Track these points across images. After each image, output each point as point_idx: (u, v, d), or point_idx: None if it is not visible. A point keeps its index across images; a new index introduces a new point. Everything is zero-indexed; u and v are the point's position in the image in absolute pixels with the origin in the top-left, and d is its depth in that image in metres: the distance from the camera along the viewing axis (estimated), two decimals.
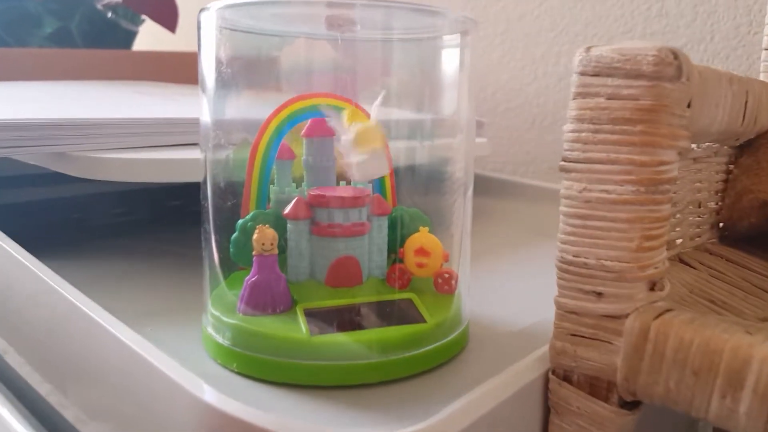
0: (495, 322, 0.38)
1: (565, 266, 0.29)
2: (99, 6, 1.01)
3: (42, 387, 0.37)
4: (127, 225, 0.61)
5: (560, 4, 0.82)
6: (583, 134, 0.28)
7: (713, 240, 0.43)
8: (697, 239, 0.41)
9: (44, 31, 0.95)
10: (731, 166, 0.44)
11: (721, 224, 0.44)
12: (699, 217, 0.41)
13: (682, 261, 0.39)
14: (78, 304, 0.32)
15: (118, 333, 0.30)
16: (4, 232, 0.41)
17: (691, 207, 0.41)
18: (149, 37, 1.11)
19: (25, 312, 0.38)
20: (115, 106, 0.59)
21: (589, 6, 0.79)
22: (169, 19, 0.99)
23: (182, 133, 0.49)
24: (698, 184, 0.41)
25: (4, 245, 0.39)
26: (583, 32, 0.80)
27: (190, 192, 0.63)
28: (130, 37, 1.06)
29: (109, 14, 1.03)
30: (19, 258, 0.37)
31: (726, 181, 0.44)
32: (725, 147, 0.43)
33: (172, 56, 0.99)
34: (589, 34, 0.80)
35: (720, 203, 0.43)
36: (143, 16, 1.05)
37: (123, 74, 0.92)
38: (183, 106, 0.61)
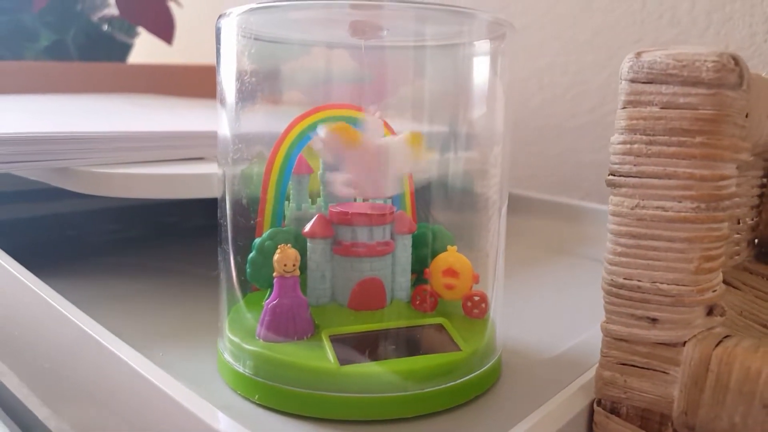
0: (524, 348, 0.36)
1: (614, 290, 0.26)
2: (95, 19, 0.99)
3: (40, 411, 0.34)
4: (125, 242, 0.59)
5: (566, 13, 0.79)
6: (635, 146, 0.26)
7: (749, 258, 0.41)
8: (736, 257, 0.39)
9: (40, 44, 0.95)
10: (765, 180, 0.42)
11: (756, 240, 0.42)
12: (738, 234, 0.39)
13: (724, 282, 0.37)
14: (84, 326, 0.30)
15: (128, 358, 0.28)
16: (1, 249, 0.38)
17: (730, 224, 0.39)
18: (144, 49, 1.09)
19: (26, 334, 0.36)
20: (115, 119, 0.57)
21: (598, 15, 0.77)
22: (165, 30, 0.98)
23: (188, 147, 0.46)
24: (737, 199, 0.39)
25: (5, 264, 0.36)
26: (590, 41, 0.78)
27: (187, 207, 0.61)
28: (126, 49, 1.05)
29: (105, 27, 1.02)
30: (22, 279, 0.35)
31: (761, 195, 0.42)
32: (760, 160, 0.41)
33: (167, 69, 0.98)
34: (597, 44, 0.77)
35: (756, 219, 0.41)
36: (138, 29, 1.03)
37: (119, 87, 0.92)
38: (184, 119, 0.59)
